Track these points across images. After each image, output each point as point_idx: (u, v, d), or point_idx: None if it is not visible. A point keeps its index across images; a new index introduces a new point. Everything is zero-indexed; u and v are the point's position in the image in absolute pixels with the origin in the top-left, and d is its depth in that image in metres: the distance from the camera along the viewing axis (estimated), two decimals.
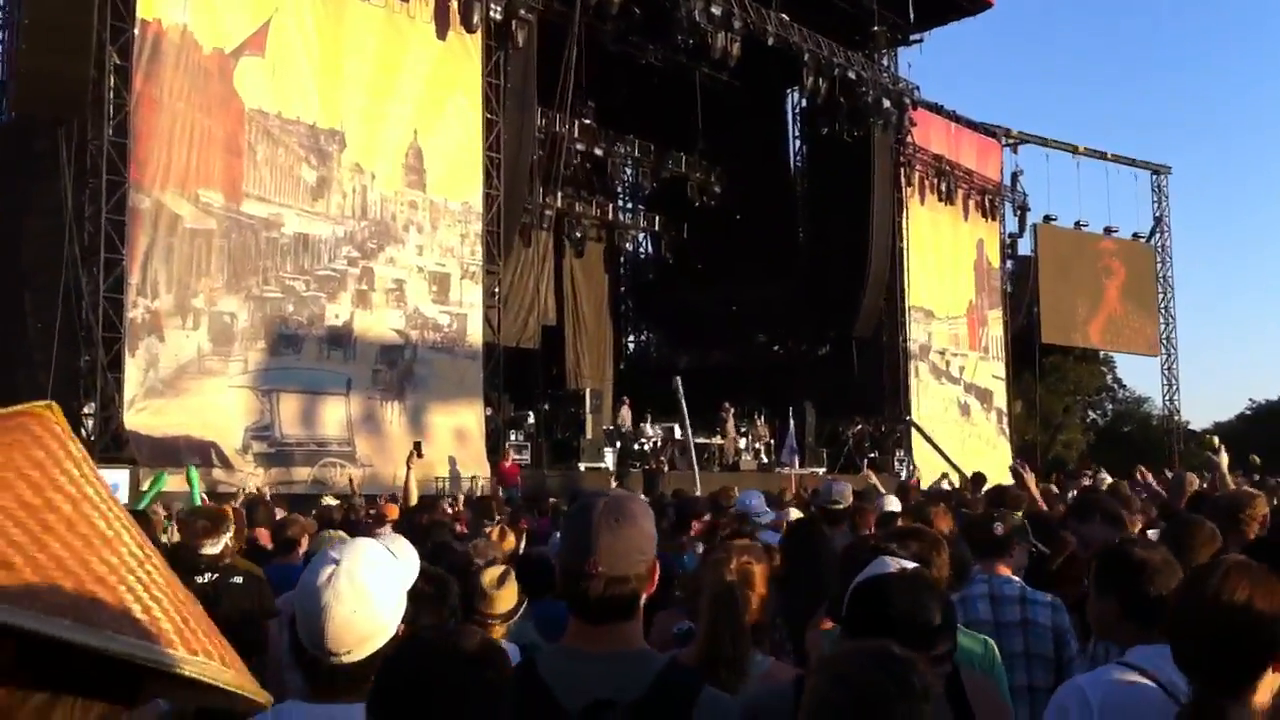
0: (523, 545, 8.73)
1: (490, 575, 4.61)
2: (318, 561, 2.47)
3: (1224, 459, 7.82)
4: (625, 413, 26.47)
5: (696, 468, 20.00)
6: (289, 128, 20.29)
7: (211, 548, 5.93)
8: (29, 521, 0.85)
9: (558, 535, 7.98)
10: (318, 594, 2.36)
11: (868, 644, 2.05)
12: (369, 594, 2.38)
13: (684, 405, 20.60)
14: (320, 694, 2.41)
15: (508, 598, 4.59)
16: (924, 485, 23.67)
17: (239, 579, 5.87)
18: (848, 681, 1.81)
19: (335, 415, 20.31)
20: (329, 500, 13.77)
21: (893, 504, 8.48)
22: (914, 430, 31.74)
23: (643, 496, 2.82)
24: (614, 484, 19.26)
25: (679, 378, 20.89)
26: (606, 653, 2.35)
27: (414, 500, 7.96)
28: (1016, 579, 4.74)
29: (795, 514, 8.27)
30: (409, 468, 8.26)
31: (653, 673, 2.33)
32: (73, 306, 17.28)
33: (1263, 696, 2.23)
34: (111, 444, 17.16)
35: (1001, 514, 5.37)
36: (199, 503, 10.16)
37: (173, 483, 16.57)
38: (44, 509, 0.86)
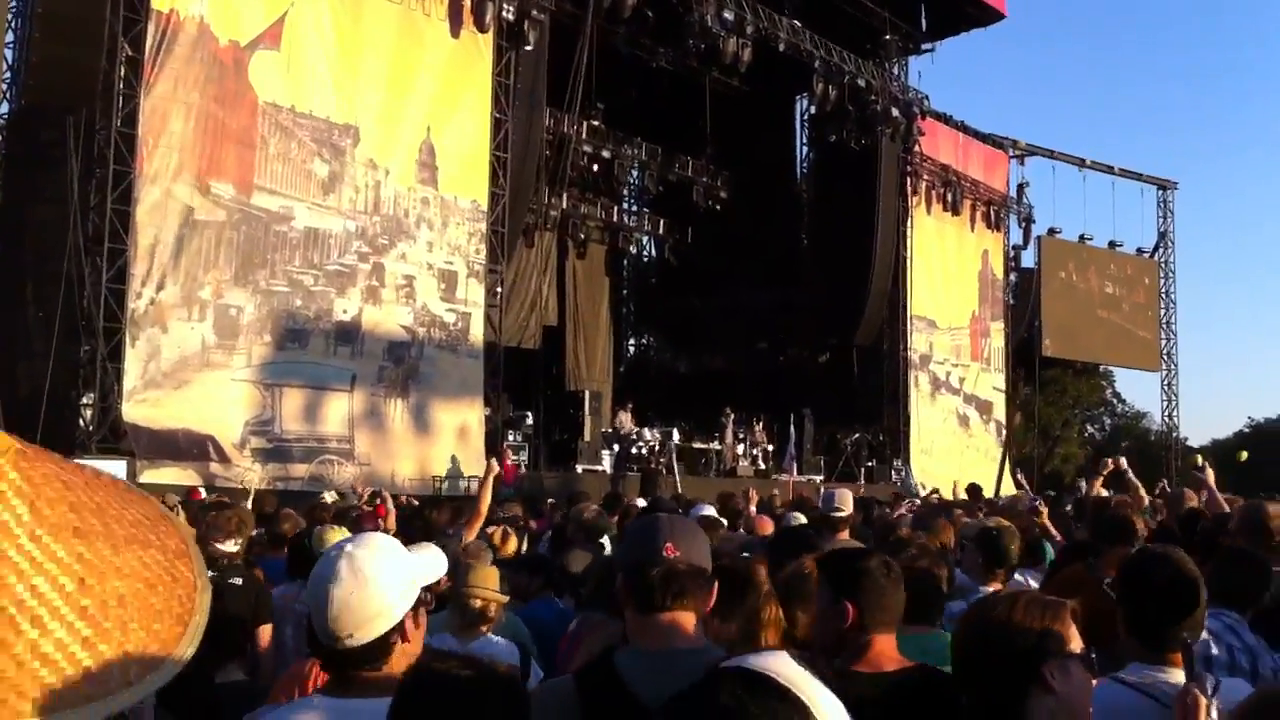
0: (524, 547, 8.73)
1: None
2: (328, 553, 2.56)
3: (1210, 475, 7.82)
4: (624, 416, 26.42)
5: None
6: (302, 121, 20.22)
7: (230, 545, 5.92)
8: None
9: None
10: (321, 580, 2.46)
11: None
12: (367, 578, 2.44)
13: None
14: (339, 686, 2.48)
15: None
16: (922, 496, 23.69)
17: (238, 580, 5.81)
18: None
19: (338, 411, 20.26)
20: (329, 496, 13.77)
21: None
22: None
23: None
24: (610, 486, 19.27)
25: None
26: (680, 648, 2.35)
27: (485, 507, 7.94)
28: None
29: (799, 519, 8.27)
30: (487, 474, 8.24)
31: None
32: (75, 296, 17.22)
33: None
34: (109, 435, 17.12)
35: (1009, 534, 5.38)
36: None
37: (169, 475, 16.61)
38: None
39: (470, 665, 2.14)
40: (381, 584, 2.46)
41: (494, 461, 8.62)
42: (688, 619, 2.40)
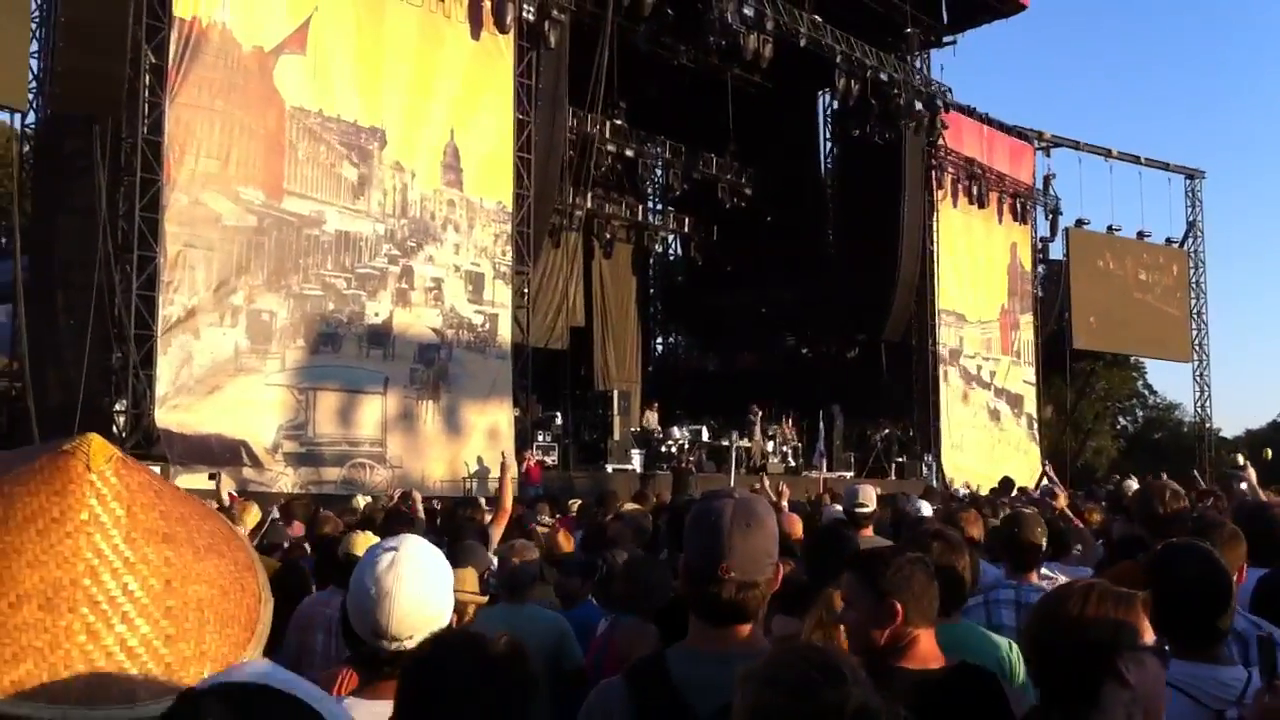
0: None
1: None
2: (373, 553, 2.56)
3: (1251, 472, 7.76)
4: (651, 415, 26.42)
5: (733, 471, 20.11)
6: (330, 125, 20.29)
7: None
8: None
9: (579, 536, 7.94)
10: (379, 582, 2.44)
11: (793, 645, 2.13)
12: (431, 579, 2.48)
13: None
14: (380, 690, 2.46)
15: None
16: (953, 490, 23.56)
17: None
18: (776, 681, 1.81)
19: (371, 414, 20.32)
20: (361, 500, 13.78)
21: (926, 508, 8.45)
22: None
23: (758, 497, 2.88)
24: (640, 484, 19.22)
25: None
26: (736, 653, 2.32)
27: (509, 504, 7.91)
28: (1045, 586, 4.70)
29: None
30: (504, 473, 8.20)
31: None
32: (105, 304, 17.32)
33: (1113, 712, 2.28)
34: (142, 441, 17.19)
35: (1029, 522, 5.31)
36: None
37: (202, 481, 16.65)
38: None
39: (470, 643, 2.11)
40: (442, 585, 2.52)
41: (510, 459, 8.60)
42: (745, 627, 2.44)
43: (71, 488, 1.06)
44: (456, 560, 5.16)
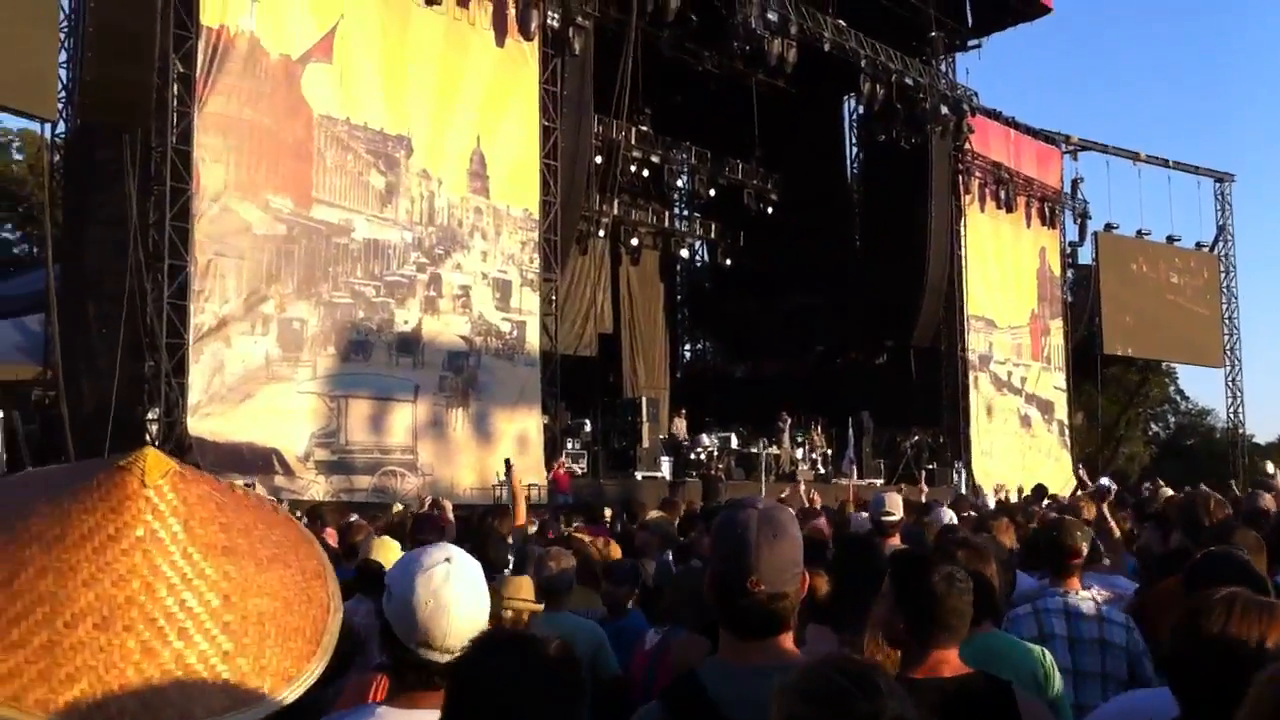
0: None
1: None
2: (424, 562, 2.53)
3: None
4: (680, 422, 26.39)
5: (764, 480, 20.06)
6: (357, 133, 20.38)
7: None
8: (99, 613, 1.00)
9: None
10: (437, 595, 2.46)
11: (828, 656, 2.09)
12: (480, 589, 2.53)
13: None
14: (417, 699, 2.46)
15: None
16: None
17: None
18: (810, 694, 1.80)
19: (402, 421, 20.39)
20: (398, 507, 13.79)
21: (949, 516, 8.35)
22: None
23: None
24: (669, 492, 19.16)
25: None
26: (770, 665, 2.29)
27: (522, 511, 7.86)
28: (1089, 594, 4.63)
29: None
30: (510, 479, 8.17)
31: None
32: (137, 313, 17.41)
33: None
34: (175, 450, 17.22)
35: (1069, 526, 5.20)
36: None
37: None
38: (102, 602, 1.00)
39: (524, 644, 2.12)
40: (487, 593, 2.57)
41: (510, 461, 8.58)
42: (778, 638, 2.42)
43: (127, 504, 1.05)
44: (517, 568, 5.18)
